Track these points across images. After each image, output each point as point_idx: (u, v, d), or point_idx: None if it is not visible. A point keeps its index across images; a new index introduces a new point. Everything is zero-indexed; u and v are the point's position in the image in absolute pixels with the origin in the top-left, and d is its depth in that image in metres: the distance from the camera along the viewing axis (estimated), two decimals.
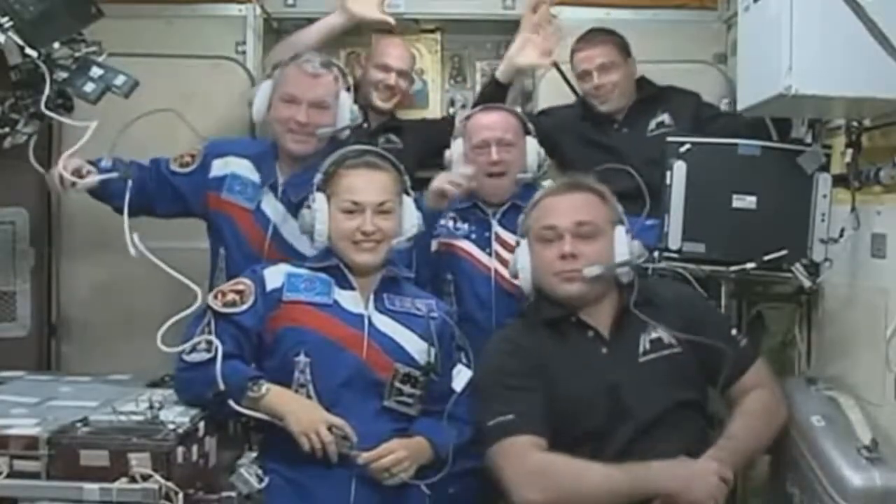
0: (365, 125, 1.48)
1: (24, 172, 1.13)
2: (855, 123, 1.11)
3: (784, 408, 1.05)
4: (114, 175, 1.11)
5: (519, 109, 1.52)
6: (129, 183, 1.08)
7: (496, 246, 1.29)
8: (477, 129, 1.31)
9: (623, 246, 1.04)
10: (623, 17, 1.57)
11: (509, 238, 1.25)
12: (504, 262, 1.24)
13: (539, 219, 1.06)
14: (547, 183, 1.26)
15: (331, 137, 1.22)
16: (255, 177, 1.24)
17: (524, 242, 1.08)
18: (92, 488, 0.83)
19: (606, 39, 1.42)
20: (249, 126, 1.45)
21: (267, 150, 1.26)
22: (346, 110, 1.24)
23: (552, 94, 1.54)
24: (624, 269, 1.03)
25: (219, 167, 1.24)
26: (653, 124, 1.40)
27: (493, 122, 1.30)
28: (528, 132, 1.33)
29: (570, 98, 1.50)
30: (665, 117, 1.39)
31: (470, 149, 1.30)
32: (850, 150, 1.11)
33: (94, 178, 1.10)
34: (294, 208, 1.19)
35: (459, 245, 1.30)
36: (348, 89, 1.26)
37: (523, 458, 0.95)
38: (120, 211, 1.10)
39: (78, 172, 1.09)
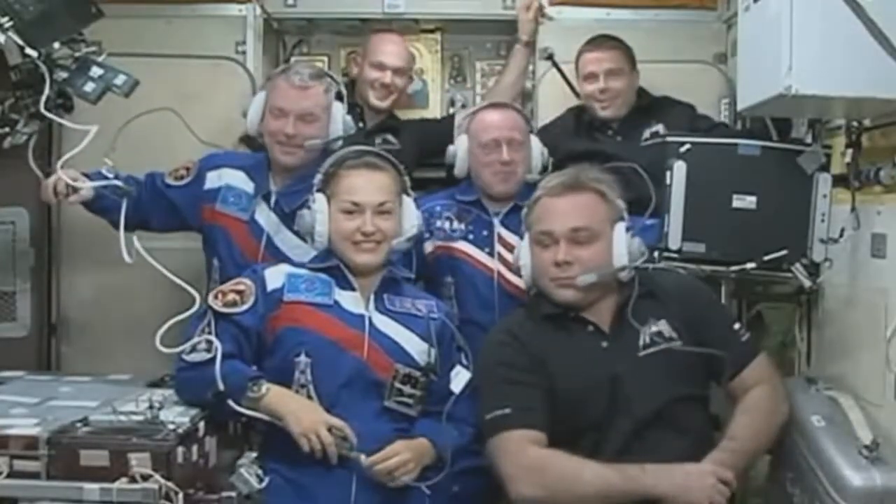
0: (361, 125, 1.48)
1: (24, 172, 1.13)
2: (855, 123, 1.10)
3: (786, 404, 1.04)
4: (111, 182, 1.10)
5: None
6: (125, 198, 1.09)
7: (499, 247, 1.28)
8: (486, 127, 1.29)
9: (622, 246, 1.03)
10: (623, 17, 1.57)
11: (512, 239, 1.25)
12: (507, 264, 1.23)
13: (537, 221, 1.06)
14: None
15: (323, 148, 1.22)
16: (249, 188, 1.24)
17: (526, 238, 1.08)
18: (92, 488, 0.83)
19: (617, 46, 1.42)
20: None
21: (260, 161, 1.26)
22: (338, 121, 1.24)
23: (552, 94, 1.54)
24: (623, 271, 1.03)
25: (213, 179, 1.25)
26: (647, 133, 1.41)
27: (502, 121, 1.28)
28: (531, 130, 1.33)
29: (570, 98, 1.50)
30: (659, 127, 1.40)
31: (478, 146, 1.29)
32: (850, 150, 1.11)
33: (88, 185, 1.09)
34: (287, 218, 1.20)
35: (457, 247, 1.29)
36: (341, 98, 1.26)
37: (520, 453, 0.95)
38: (115, 225, 1.10)
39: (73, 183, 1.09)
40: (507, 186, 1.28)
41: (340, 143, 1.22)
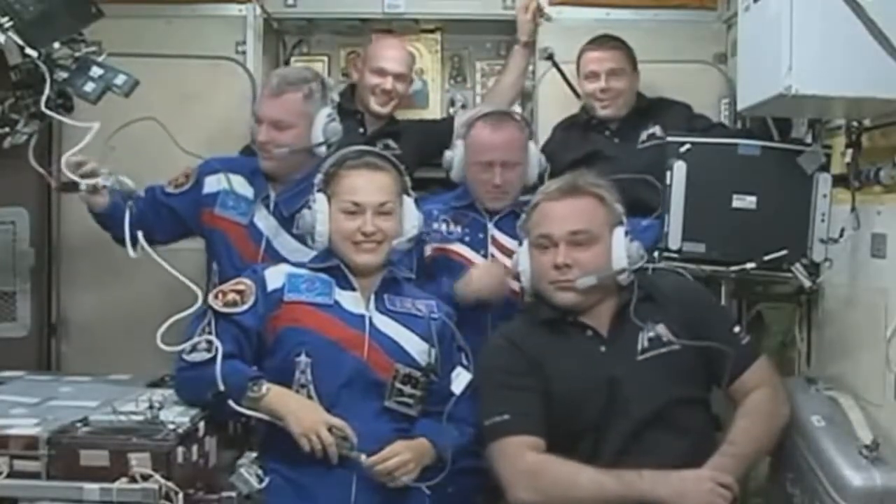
0: (361, 130, 1.47)
1: (24, 172, 1.12)
2: (855, 123, 1.10)
3: (787, 407, 1.04)
4: (118, 181, 1.09)
5: (519, 109, 1.51)
6: (132, 197, 1.08)
7: (493, 249, 1.28)
8: (482, 147, 1.28)
9: (621, 250, 1.03)
10: (623, 17, 1.57)
11: (507, 242, 1.26)
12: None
13: (536, 225, 1.06)
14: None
15: (310, 153, 1.21)
16: (248, 192, 1.25)
17: (525, 243, 1.08)
18: (92, 488, 0.83)
19: (619, 46, 1.42)
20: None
21: (259, 166, 1.26)
22: (319, 127, 1.22)
23: (552, 94, 1.54)
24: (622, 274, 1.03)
25: (212, 184, 1.26)
26: (644, 135, 1.41)
27: (498, 142, 1.26)
28: (530, 137, 1.33)
29: (570, 99, 1.50)
30: (656, 129, 1.40)
31: (473, 163, 1.29)
32: (850, 150, 1.11)
33: (100, 181, 1.07)
34: (286, 222, 1.20)
35: (453, 249, 1.29)
36: (331, 101, 1.25)
37: (517, 458, 0.96)
38: (119, 241, 1.09)
39: (93, 173, 1.07)
40: (499, 204, 1.29)
41: (324, 149, 1.21)
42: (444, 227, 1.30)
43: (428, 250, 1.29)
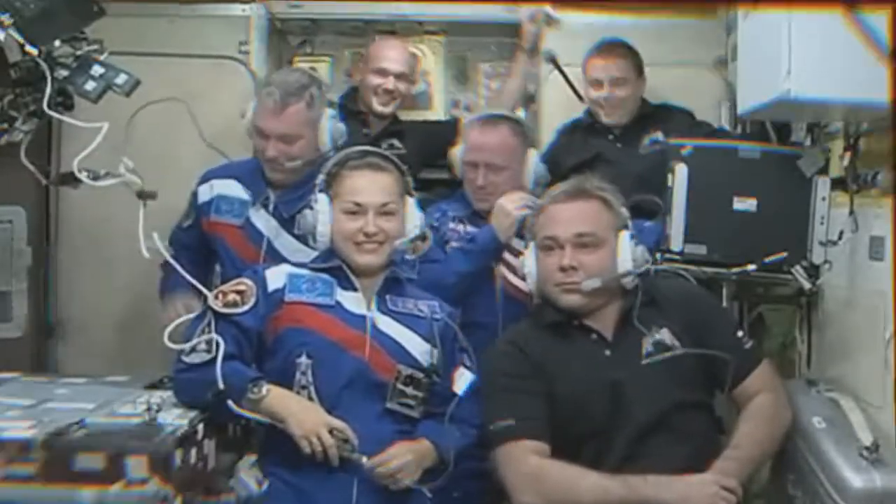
0: (366, 131, 1.48)
1: (22, 171, 1.11)
2: (853, 127, 1.12)
3: (789, 411, 1.05)
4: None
5: (523, 113, 1.52)
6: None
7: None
8: (470, 147, 1.30)
9: (626, 253, 1.04)
10: (625, 20, 1.58)
11: (516, 243, 1.26)
12: (512, 269, 1.25)
13: (542, 227, 1.07)
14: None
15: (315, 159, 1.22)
16: (243, 195, 1.25)
17: (532, 246, 1.09)
18: (88, 492, 0.82)
19: (623, 54, 1.43)
20: None
21: (257, 168, 1.26)
22: (326, 132, 1.22)
23: (555, 97, 1.55)
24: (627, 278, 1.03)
25: (204, 193, 1.26)
26: (646, 140, 1.42)
27: (486, 144, 1.27)
28: (531, 145, 1.33)
29: (573, 101, 1.51)
30: (658, 135, 1.41)
31: (464, 162, 1.31)
32: (848, 154, 1.12)
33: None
34: (287, 223, 1.20)
35: None
36: (331, 105, 1.26)
37: (521, 462, 0.97)
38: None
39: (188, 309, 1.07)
40: (483, 206, 1.30)
41: (332, 153, 1.21)
42: (460, 226, 1.30)
43: (448, 250, 1.30)
